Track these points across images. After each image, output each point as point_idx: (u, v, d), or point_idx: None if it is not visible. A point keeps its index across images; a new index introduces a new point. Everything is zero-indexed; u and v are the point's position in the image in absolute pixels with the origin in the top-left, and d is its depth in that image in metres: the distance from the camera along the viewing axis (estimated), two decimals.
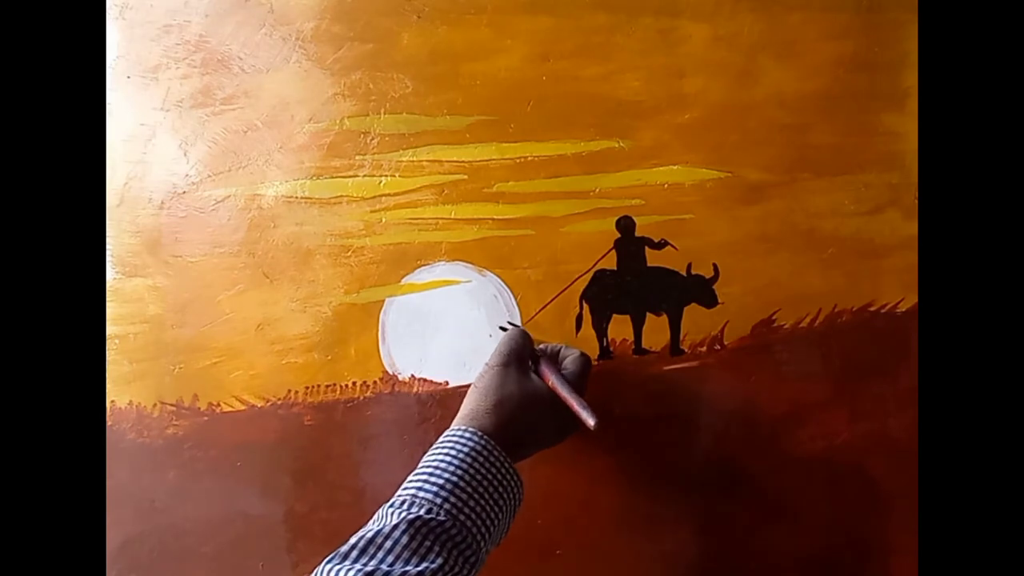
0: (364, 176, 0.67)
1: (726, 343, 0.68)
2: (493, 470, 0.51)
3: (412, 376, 0.67)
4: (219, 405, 0.68)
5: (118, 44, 0.68)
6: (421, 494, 0.49)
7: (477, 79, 0.67)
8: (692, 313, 0.68)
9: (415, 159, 0.67)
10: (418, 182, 0.67)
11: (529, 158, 0.67)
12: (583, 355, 0.61)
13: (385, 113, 0.67)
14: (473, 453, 0.51)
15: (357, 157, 0.67)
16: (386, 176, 0.67)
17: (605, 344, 0.68)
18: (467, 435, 0.53)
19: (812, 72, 0.68)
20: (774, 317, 0.68)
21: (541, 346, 0.63)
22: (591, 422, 0.54)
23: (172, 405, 0.68)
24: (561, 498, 0.67)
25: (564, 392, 0.56)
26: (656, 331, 0.68)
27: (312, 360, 0.68)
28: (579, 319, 0.67)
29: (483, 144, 0.67)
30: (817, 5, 0.68)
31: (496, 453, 0.52)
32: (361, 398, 0.67)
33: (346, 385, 0.67)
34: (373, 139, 0.67)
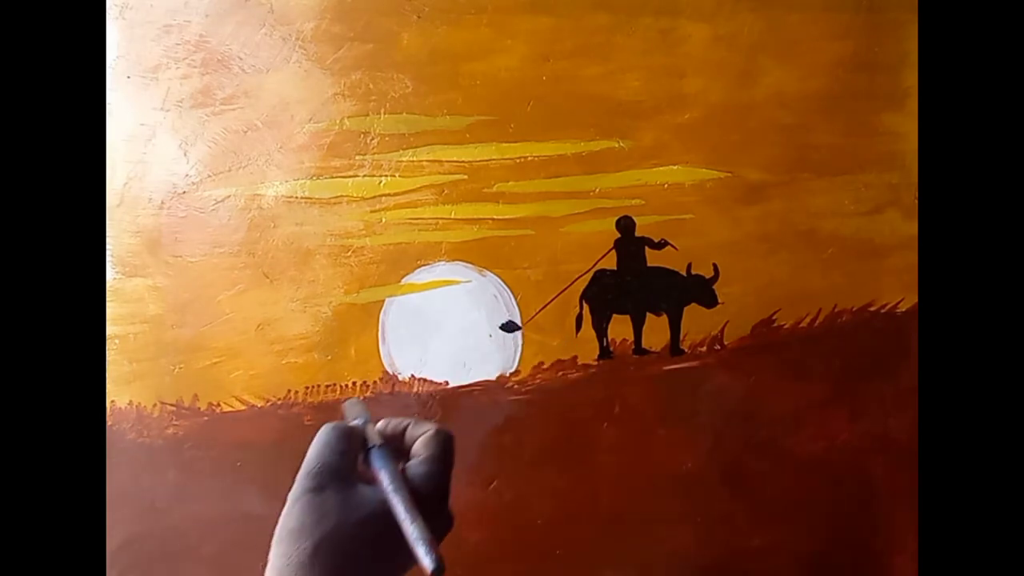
0: (364, 176, 0.67)
1: (726, 343, 0.68)
2: None
3: (412, 376, 0.67)
4: (219, 405, 0.68)
5: (118, 44, 0.68)
6: None
7: (477, 79, 0.67)
8: (692, 313, 0.68)
9: (415, 159, 0.67)
10: (418, 182, 0.67)
11: (529, 158, 0.67)
12: (439, 434, 0.41)
13: (385, 113, 0.67)
14: None
15: (357, 157, 0.67)
16: (386, 176, 0.67)
17: (605, 344, 0.68)
18: None
19: (812, 72, 0.68)
20: (774, 317, 0.68)
21: (379, 424, 0.43)
22: (429, 568, 0.36)
23: (172, 405, 0.68)
24: (561, 498, 0.67)
25: (401, 515, 0.38)
26: (656, 331, 0.68)
27: (312, 360, 0.68)
28: (579, 319, 0.67)
29: (483, 144, 0.67)
30: (817, 5, 0.68)
31: None
32: (361, 398, 0.67)
33: (346, 385, 0.67)
34: (373, 139, 0.67)
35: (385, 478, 0.39)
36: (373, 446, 0.41)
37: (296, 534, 0.38)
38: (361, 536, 0.38)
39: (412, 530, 0.37)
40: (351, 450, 0.41)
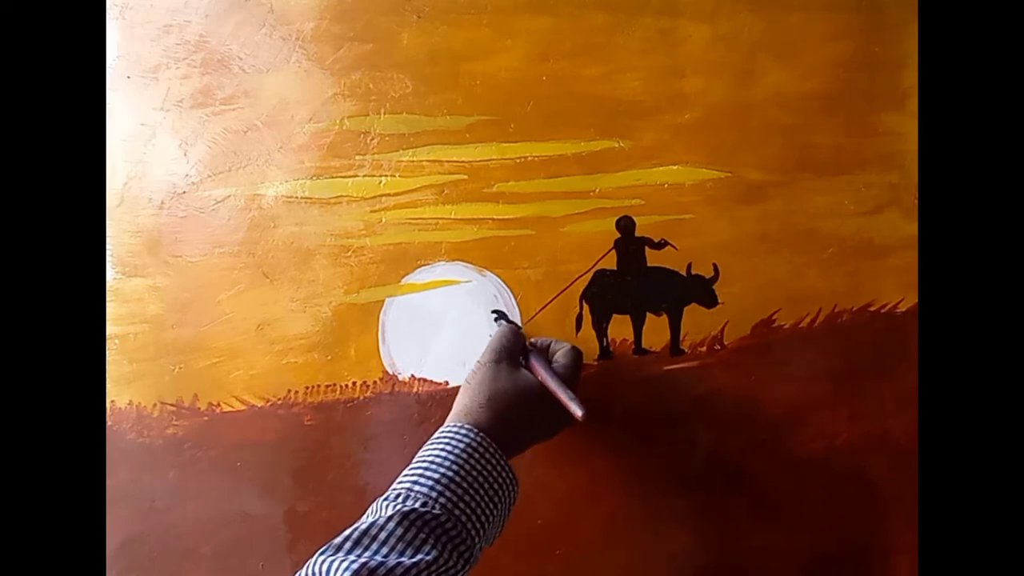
0: (364, 176, 0.67)
1: (726, 343, 0.68)
2: (488, 467, 0.52)
3: (412, 376, 0.67)
4: (219, 405, 0.68)
5: (118, 44, 0.68)
6: (416, 488, 0.49)
7: (477, 79, 0.67)
8: (692, 313, 0.68)
9: (415, 159, 0.67)
10: (418, 182, 0.67)
11: (529, 158, 0.67)
12: (574, 348, 0.61)
13: (385, 113, 0.67)
14: (468, 449, 0.52)
15: (357, 157, 0.67)
16: (386, 176, 0.67)
17: (605, 344, 0.68)
18: (463, 431, 0.53)
19: (812, 72, 0.68)
20: (774, 317, 0.68)
21: (532, 340, 0.64)
22: (579, 413, 0.54)
23: (172, 405, 0.68)
24: (561, 498, 0.67)
25: (553, 385, 0.57)
26: (656, 331, 0.68)
27: (312, 360, 0.68)
28: (579, 319, 0.67)
29: (483, 144, 0.67)
30: (817, 5, 0.68)
31: (492, 450, 0.52)
32: (361, 398, 0.67)
33: (346, 385, 0.67)
34: (373, 139, 0.67)
35: (542, 367, 0.58)
36: (531, 350, 0.61)
37: (477, 386, 0.57)
38: (519, 396, 0.56)
39: (564, 394, 0.56)
40: (519, 342, 0.61)
